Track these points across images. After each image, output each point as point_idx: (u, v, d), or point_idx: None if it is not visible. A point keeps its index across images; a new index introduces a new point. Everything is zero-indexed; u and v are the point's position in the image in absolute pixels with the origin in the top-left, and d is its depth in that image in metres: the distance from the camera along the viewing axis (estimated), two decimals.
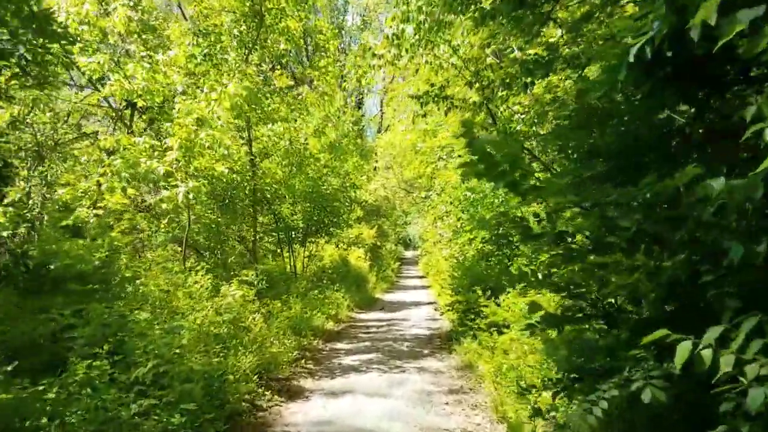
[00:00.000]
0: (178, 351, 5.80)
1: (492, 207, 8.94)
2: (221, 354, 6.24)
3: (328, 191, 16.70)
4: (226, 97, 8.10)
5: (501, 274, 9.87)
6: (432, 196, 21.87)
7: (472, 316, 9.21)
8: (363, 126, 42.00)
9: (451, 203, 18.42)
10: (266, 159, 11.59)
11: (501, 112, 7.28)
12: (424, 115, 7.91)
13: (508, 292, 8.38)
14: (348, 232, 20.84)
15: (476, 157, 2.74)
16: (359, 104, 42.72)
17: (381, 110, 40.23)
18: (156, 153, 7.87)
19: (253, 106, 9.69)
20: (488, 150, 2.69)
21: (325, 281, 16.33)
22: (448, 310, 10.77)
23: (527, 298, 6.72)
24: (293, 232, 16.12)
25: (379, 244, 26.12)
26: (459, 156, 19.23)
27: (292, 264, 16.40)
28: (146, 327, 6.08)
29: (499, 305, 8.18)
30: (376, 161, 31.32)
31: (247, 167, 10.28)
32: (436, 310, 13.75)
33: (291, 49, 10.71)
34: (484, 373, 7.02)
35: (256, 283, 9.72)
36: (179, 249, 13.39)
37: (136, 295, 7.35)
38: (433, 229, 26.19)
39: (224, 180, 9.81)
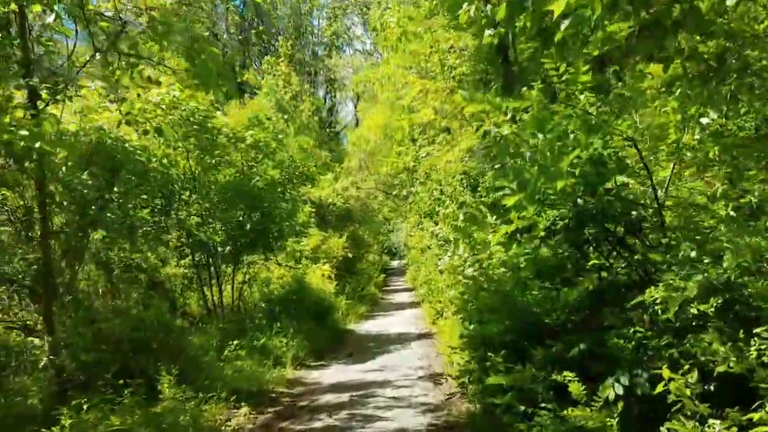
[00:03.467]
0: None
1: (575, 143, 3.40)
2: None
3: (261, 186, 11.17)
4: None
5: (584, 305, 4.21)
6: (416, 189, 16.78)
7: (543, 414, 3.70)
8: (333, 120, 36.59)
9: (442, 192, 13.25)
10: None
11: None
12: None
13: (641, 370, 2.96)
14: (304, 243, 15.18)
15: None
16: (330, 110, 36.99)
17: (356, 112, 34.71)
18: None
19: None
20: None
21: (257, 320, 10.68)
22: (464, 382, 5.26)
23: None
24: (213, 249, 10.56)
25: (352, 255, 20.51)
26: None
27: (213, 299, 10.84)
28: None
29: None
30: (350, 161, 26.42)
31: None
32: (440, 372, 7.82)
33: None
34: None
35: None
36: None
37: None
38: (418, 231, 20.74)
39: None
